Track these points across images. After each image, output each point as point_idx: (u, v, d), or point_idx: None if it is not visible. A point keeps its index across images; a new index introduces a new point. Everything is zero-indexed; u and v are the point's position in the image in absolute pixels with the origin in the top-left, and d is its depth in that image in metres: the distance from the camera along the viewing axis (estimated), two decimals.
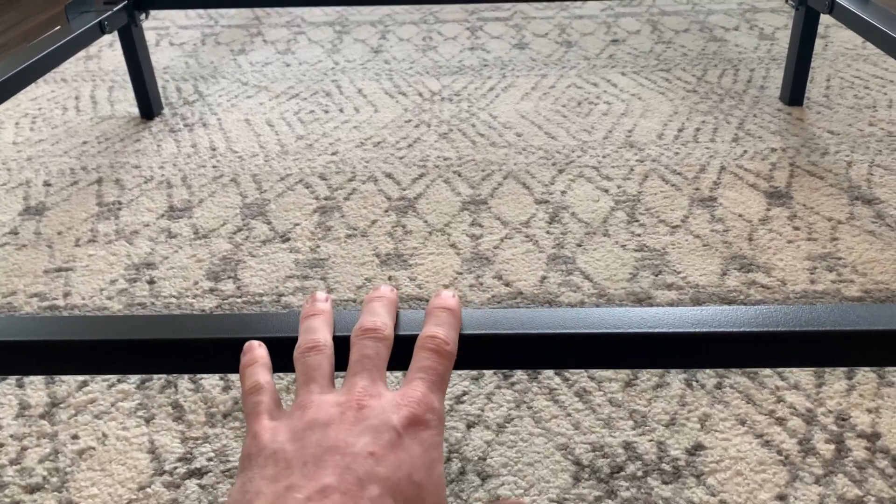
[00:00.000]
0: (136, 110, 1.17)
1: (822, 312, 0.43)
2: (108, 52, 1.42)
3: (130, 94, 1.22)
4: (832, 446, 0.56)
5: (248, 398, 0.34)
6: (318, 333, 0.36)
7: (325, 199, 0.92)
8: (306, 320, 0.38)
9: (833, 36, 1.36)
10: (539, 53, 1.35)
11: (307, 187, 0.95)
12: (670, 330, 0.42)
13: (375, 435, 0.30)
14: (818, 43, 1.32)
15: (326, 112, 1.15)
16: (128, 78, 1.25)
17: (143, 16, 1.10)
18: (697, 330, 0.42)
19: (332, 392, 0.33)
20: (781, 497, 0.53)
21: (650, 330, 0.42)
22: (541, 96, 1.18)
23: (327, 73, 1.30)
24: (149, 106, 1.14)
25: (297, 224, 0.87)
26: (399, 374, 0.65)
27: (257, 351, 0.37)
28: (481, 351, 0.42)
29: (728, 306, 0.43)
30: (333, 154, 1.03)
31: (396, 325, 0.38)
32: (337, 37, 1.47)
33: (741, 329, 0.42)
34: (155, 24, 1.55)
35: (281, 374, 0.63)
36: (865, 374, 0.63)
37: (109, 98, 1.23)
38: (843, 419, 0.59)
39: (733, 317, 0.42)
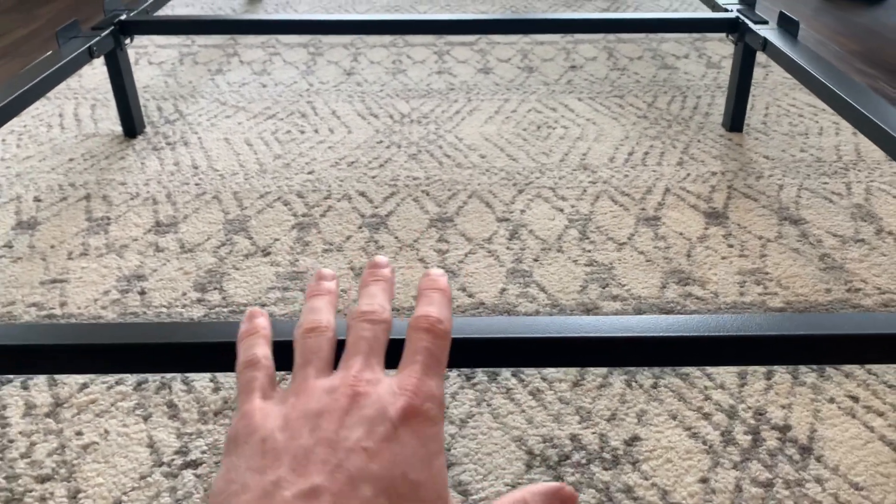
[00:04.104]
0: (119, 128, 1.23)
1: (747, 320, 0.51)
2: (89, 70, 1.47)
3: (113, 112, 1.28)
4: (749, 437, 0.65)
5: (244, 372, 0.33)
6: (321, 314, 0.35)
7: (303, 215, 0.99)
8: (311, 300, 0.36)
9: (773, 66, 1.47)
10: (502, 78, 1.44)
11: (286, 204, 1.02)
12: (613, 335, 0.50)
13: (370, 427, 0.29)
14: (759, 72, 1.43)
15: (302, 132, 1.22)
16: (110, 96, 1.31)
17: (127, 40, 1.16)
18: (635, 335, 0.50)
19: (328, 376, 0.32)
20: (704, 480, 0.61)
21: (596, 335, 0.50)
22: (503, 120, 1.27)
23: (302, 94, 1.37)
24: (132, 124, 1.20)
25: (277, 239, 0.94)
26: None
27: (258, 320, 0.36)
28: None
29: (664, 315, 0.51)
30: (310, 173, 1.10)
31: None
32: (311, 58, 1.55)
33: (674, 334, 0.50)
34: (134, 44, 1.61)
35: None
36: (782, 375, 0.72)
37: (93, 116, 1.28)
38: (761, 414, 0.68)
39: (667, 324, 0.51)
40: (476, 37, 1.66)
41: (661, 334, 0.50)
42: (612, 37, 1.64)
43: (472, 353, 0.50)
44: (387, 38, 1.65)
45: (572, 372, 0.73)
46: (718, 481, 0.61)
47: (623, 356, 0.52)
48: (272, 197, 1.04)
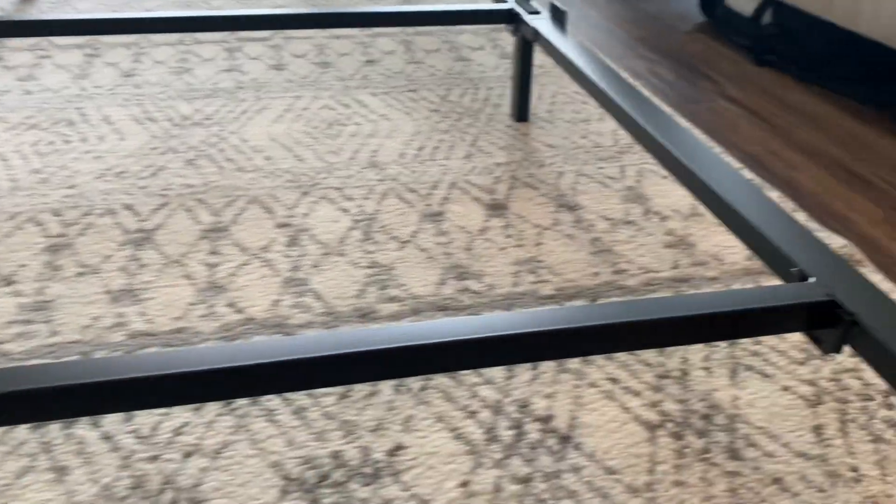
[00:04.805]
0: None
1: (513, 318, 0.50)
2: None
3: None
4: (512, 432, 0.65)
5: None
6: None
7: (57, 236, 0.90)
8: None
9: None
10: (296, 74, 1.39)
11: (38, 225, 0.92)
12: (384, 346, 0.48)
13: None
14: (548, 61, 1.46)
15: (67, 143, 1.12)
16: None
17: None
18: (406, 344, 0.48)
19: None
20: (464, 484, 0.60)
21: (365, 349, 0.48)
22: (293, 118, 1.22)
23: (72, 100, 1.26)
24: None
25: (24, 265, 0.84)
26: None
27: None
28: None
29: (424, 322, 0.49)
30: (70, 188, 1.00)
31: None
32: (86, 61, 1.42)
33: (438, 340, 0.48)
34: None
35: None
36: (547, 364, 0.73)
37: None
38: (525, 406, 0.68)
39: (435, 329, 0.49)
40: (271, 32, 1.59)
41: (426, 341, 0.48)
42: (410, 30, 1.63)
43: (230, 383, 0.46)
44: (173, 36, 1.55)
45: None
46: (478, 483, 0.60)
47: (391, 368, 0.49)
48: (23, 217, 0.93)
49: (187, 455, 0.62)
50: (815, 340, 0.53)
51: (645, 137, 0.78)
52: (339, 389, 0.69)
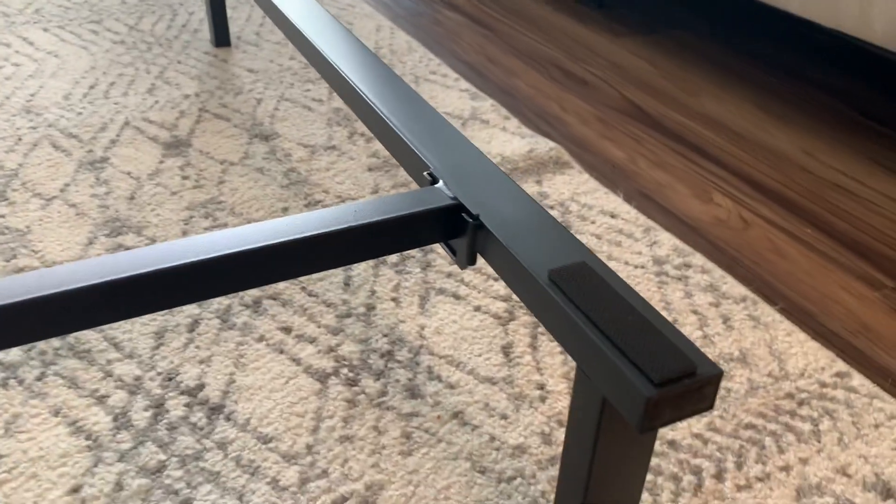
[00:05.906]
0: None
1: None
2: None
3: None
4: (150, 413, 0.53)
5: None
6: None
7: None
8: None
9: None
10: None
11: None
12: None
13: None
14: None
15: None
16: None
17: None
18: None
19: None
20: (76, 489, 0.48)
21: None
22: None
23: None
24: None
25: None
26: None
27: None
28: None
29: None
30: None
31: None
32: None
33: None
34: None
35: None
36: (209, 323, 0.61)
37: None
38: (170, 378, 0.56)
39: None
40: None
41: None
42: None
43: None
44: None
45: None
46: (94, 484, 0.48)
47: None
48: None
49: None
50: (453, 253, 0.45)
51: (307, 47, 0.66)
52: None
